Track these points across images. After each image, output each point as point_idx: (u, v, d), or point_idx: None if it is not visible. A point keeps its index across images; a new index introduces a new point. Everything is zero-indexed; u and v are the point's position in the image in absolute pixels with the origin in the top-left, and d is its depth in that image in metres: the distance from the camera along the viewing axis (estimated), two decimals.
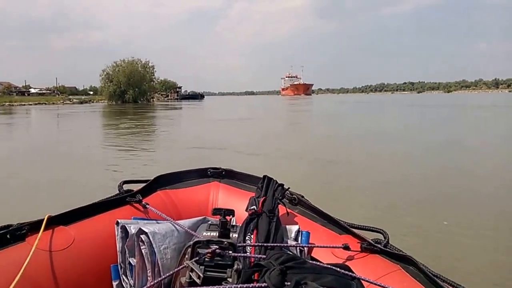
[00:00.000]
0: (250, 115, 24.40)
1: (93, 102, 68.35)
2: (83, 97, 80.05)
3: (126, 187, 1.78)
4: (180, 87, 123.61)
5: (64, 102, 62.88)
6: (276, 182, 1.71)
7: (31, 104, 55.43)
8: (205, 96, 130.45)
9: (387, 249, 1.33)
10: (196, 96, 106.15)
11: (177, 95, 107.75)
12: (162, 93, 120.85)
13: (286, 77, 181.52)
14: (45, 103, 59.06)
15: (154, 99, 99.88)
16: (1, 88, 78.25)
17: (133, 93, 64.31)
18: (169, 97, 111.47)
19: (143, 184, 1.82)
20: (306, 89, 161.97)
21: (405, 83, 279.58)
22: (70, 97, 72.80)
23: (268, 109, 36.60)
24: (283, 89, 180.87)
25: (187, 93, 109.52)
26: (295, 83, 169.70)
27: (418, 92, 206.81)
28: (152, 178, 1.86)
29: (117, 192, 1.73)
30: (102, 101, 68.53)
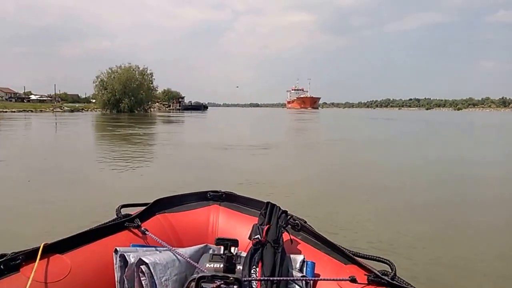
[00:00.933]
0: (260, 137, 18.58)
1: (86, 110, 62.77)
2: (76, 105, 74.32)
3: (124, 211, 1.73)
4: (182, 97, 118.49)
5: (54, 110, 57.34)
6: (279, 209, 1.68)
7: (14, 111, 49.76)
8: (208, 107, 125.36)
9: (395, 282, 1.29)
10: (199, 107, 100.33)
11: (179, 106, 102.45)
12: (164, 103, 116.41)
13: (292, 90, 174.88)
14: (32, 111, 53.44)
15: (154, 109, 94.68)
16: None
17: (128, 102, 58.72)
18: (171, 107, 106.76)
19: (142, 208, 1.76)
20: (313, 103, 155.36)
21: (410, 99, 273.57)
22: (62, 104, 66.90)
23: (279, 127, 30.96)
24: (289, 102, 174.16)
25: (190, 104, 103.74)
26: (301, 96, 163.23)
27: (427, 109, 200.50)
28: (151, 202, 1.80)
29: (115, 216, 1.66)
30: (96, 109, 62.99)
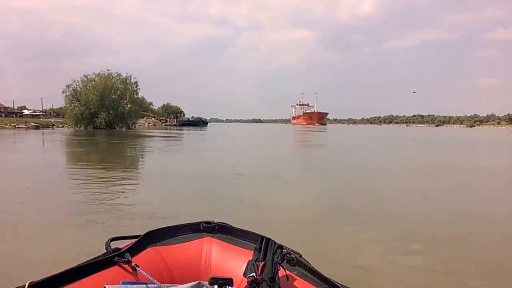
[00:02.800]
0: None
1: (58, 127, 51.24)
2: (52, 120, 62.74)
3: (115, 243, 1.65)
4: (180, 112, 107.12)
5: (17, 126, 46.02)
6: (275, 243, 1.64)
7: None
8: (208, 123, 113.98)
9: None
10: (197, 123, 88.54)
11: (176, 121, 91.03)
12: (161, 118, 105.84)
13: (297, 105, 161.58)
14: None
15: (147, 124, 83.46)
16: None
17: (106, 116, 47.12)
18: (168, 123, 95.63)
19: (133, 240, 1.69)
20: (320, 118, 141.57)
21: (414, 115, 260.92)
22: (28, 120, 55.26)
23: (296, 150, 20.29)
24: (293, 118, 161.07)
25: (187, 119, 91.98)
26: (307, 111, 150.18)
27: (437, 126, 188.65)
28: (141, 234, 1.72)
29: (104, 251, 1.58)
30: (68, 126, 51.51)
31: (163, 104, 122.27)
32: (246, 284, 1.43)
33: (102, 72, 49.73)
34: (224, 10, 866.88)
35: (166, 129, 62.39)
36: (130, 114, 51.48)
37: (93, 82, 48.30)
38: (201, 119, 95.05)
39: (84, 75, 49.30)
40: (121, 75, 50.73)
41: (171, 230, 1.84)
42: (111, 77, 49.77)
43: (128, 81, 50.91)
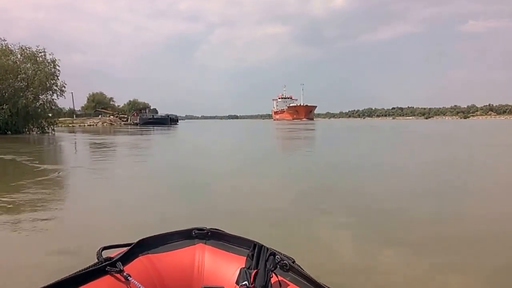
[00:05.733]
0: None
1: None
2: None
3: (106, 252, 1.62)
4: (145, 109, 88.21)
5: None
6: (267, 250, 1.61)
7: None
8: (179, 121, 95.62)
9: None
10: (163, 121, 70.20)
11: (139, 119, 72.48)
12: (122, 115, 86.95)
13: (280, 98, 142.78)
14: None
15: (104, 122, 65.25)
16: None
17: (2, 114, 28.51)
18: (129, 121, 77.21)
19: (124, 249, 1.65)
20: (308, 112, 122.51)
21: (393, 108, 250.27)
22: None
23: None
24: (276, 113, 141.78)
25: (152, 117, 73.40)
26: (291, 105, 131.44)
27: (426, 118, 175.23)
28: (133, 243, 1.69)
29: (96, 260, 1.55)
30: None
31: (129, 101, 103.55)
32: None
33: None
34: (196, 6, 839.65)
35: (118, 130, 46.65)
36: (44, 111, 32.71)
37: None
38: (168, 116, 76.31)
39: None
40: (30, 49, 31.95)
41: (163, 238, 1.80)
42: (11, 52, 31.05)
43: (39, 60, 32.13)
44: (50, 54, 32.52)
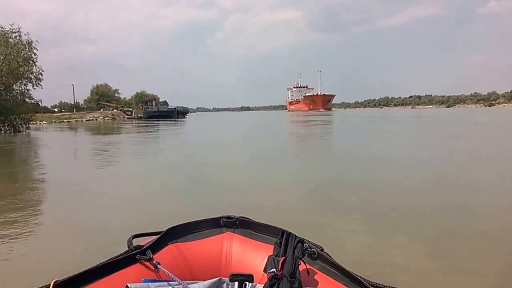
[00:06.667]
0: None
1: None
2: None
3: (136, 241, 1.65)
4: (151, 101, 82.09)
5: None
6: (295, 237, 1.61)
7: None
8: (188, 113, 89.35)
9: None
10: (170, 114, 64.19)
11: (143, 113, 66.53)
12: (126, 109, 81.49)
13: (294, 87, 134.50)
14: None
15: (106, 116, 60.23)
16: None
17: None
18: (132, 115, 71.63)
19: (154, 237, 1.68)
20: (326, 102, 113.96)
21: (411, 96, 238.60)
22: None
23: None
24: (291, 103, 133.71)
25: (157, 110, 67.29)
26: (307, 94, 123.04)
27: (448, 107, 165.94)
28: (163, 231, 1.71)
29: (126, 248, 1.58)
30: None
31: (136, 93, 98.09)
32: (266, 280, 1.40)
33: None
34: None
35: (115, 125, 39.99)
36: (17, 104, 26.65)
37: None
38: (175, 108, 70.02)
39: None
40: (1, 29, 25.87)
41: (192, 226, 1.80)
42: None
43: (12, 41, 26.02)
44: (25, 34, 26.30)
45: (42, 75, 27.14)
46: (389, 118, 43.58)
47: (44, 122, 45.61)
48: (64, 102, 78.59)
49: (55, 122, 48.04)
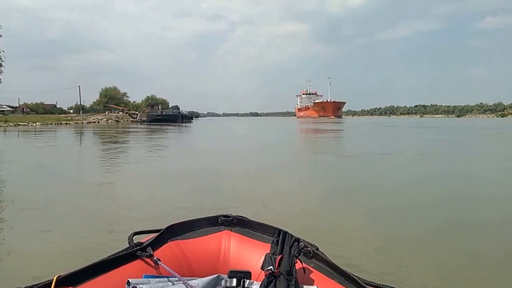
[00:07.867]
0: None
1: None
2: None
3: (137, 238, 1.66)
4: (157, 104, 79.40)
5: None
6: (291, 236, 1.63)
7: None
8: (194, 118, 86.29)
9: None
10: (174, 118, 61.09)
11: (147, 116, 63.83)
12: (132, 112, 79.45)
13: (304, 94, 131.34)
14: None
15: (110, 119, 57.97)
16: None
17: None
18: (136, 119, 69.14)
19: (154, 234, 1.71)
20: (336, 109, 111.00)
21: (416, 106, 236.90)
22: None
23: None
24: (300, 110, 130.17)
25: (161, 114, 64.25)
26: (316, 101, 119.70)
27: (457, 116, 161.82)
28: (163, 228, 1.73)
29: (127, 245, 1.59)
30: None
31: (147, 97, 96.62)
32: (263, 277, 1.42)
33: None
34: (218, 5, 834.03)
35: (112, 129, 37.17)
36: None
37: None
38: (179, 112, 66.77)
39: None
40: None
41: (191, 224, 1.82)
42: None
43: None
44: None
45: (3, 60, 24.51)
46: (442, 128, 39.54)
47: (37, 123, 42.91)
48: (79, 104, 77.31)
49: (51, 123, 45.29)
